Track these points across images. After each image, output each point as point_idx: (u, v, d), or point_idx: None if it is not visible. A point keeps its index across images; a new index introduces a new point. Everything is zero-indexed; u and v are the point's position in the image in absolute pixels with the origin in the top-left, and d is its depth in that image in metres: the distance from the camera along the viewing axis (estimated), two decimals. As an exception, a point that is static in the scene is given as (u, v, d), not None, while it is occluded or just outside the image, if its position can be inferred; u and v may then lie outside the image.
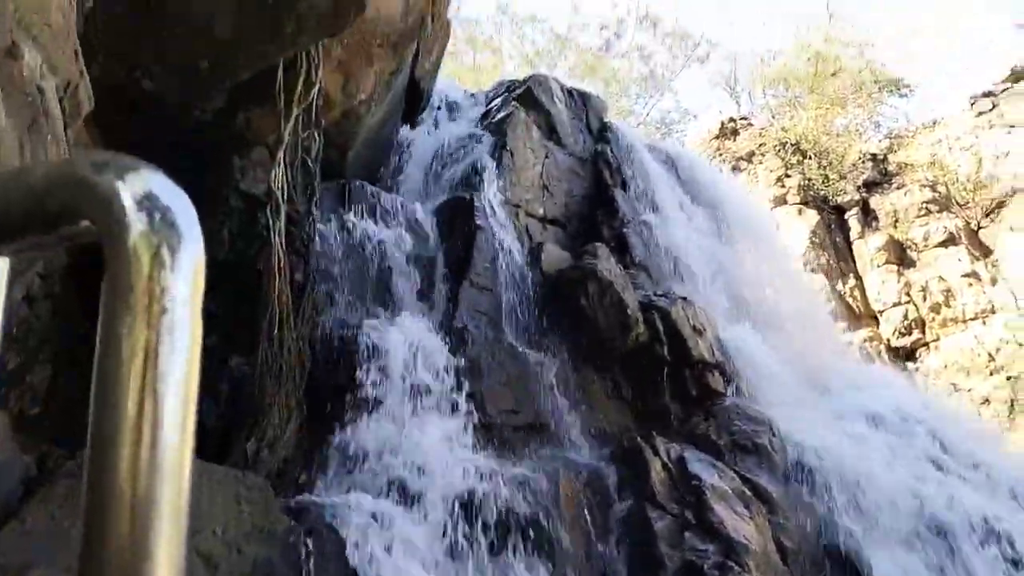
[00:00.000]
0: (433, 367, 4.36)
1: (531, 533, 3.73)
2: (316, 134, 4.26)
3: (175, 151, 3.64)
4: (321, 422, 4.10)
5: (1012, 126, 15.32)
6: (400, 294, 5.01)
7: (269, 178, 3.71)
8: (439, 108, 8.10)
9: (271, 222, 3.63)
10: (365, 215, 5.30)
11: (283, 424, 3.77)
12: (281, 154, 3.81)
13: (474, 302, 5.30)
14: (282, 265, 3.69)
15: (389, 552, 3.27)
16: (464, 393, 4.41)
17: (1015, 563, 5.12)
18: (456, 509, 3.65)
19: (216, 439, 3.71)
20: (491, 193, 6.42)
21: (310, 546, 3.03)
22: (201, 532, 2.67)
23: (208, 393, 3.62)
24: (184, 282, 0.40)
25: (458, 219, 5.85)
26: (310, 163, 4.18)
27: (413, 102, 7.28)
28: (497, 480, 3.88)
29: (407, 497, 3.65)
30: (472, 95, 8.84)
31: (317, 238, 4.38)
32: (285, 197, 3.80)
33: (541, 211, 7.44)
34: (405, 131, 7.44)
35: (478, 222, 5.80)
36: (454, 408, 4.36)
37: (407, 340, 4.34)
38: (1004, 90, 16.09)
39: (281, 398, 3.72)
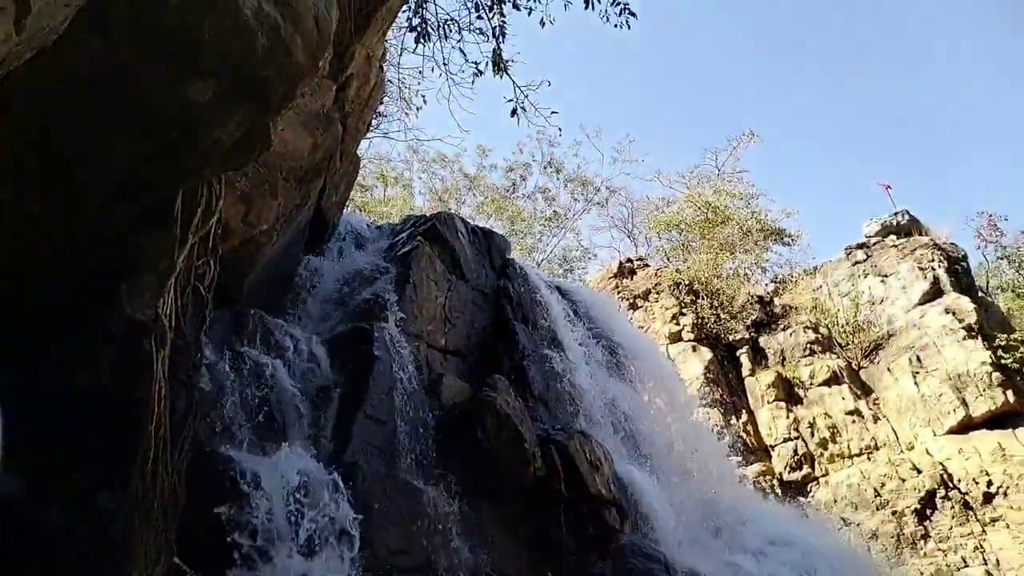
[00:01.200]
0: (320, 505, 4.17)
1: None
2: (212, 262, 4.20)
3: (58, 273, 3.53)
4: (194, 566, 3.81)
5: (885, 275, 16.69)
6: (289, 427, 4.85)
7: (157, 305, 3.61)
8: (344, 239, 8.20)
9: (155, 350, 3.50)
10: (258, 344, 5.19)
11: (149, 568, 3.48)
12: (172, 281, 3.74)
13: (368, 435, 5.17)
14: (163, 395, 3.53)
15: None
16: (351, 533, 4.22)
17: None
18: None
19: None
20: (392, 323, 6.43)
21: None
22: None
23: (73, 532, 3.34)
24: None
25: (356, 349, 5.79)
26: (202, 290, 4.10)
27: (319, 232, 7.35)
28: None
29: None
30: (379, 227, 9.02)
31: (204, 368, 4.24)
32: (172, 325, 3.69)
33: (443, 342, 7.49)
34: (310, 259, 7.46)
35: (376, 352, 5.76)
36: (341, 550, 4.15)
37: (293, 476, 4.16)
38: (876, 242, 17.66)
39: (149, 539, 3.45)
